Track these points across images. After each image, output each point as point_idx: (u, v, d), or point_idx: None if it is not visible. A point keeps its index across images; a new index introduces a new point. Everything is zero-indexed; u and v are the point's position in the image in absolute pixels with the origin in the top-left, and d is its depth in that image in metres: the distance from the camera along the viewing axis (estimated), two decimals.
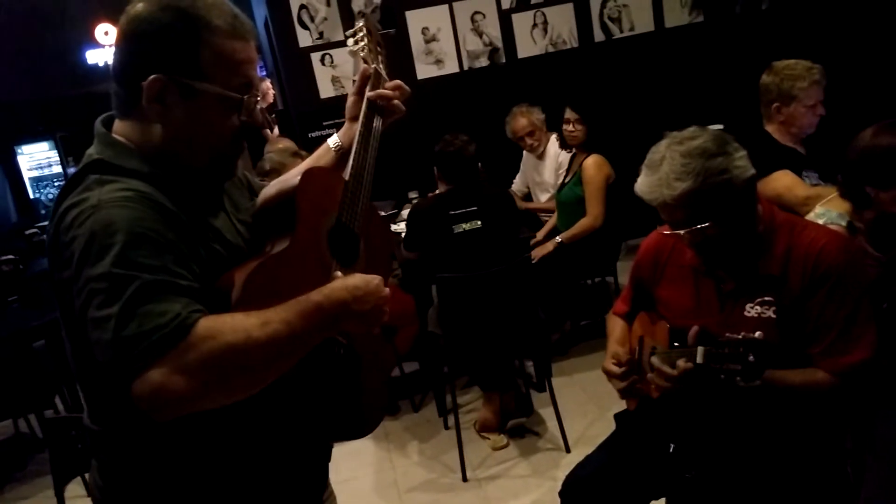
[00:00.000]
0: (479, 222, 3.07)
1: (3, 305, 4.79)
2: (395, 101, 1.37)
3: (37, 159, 7.67)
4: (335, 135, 1.40)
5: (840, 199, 1.95)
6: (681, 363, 1.50)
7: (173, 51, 1.04)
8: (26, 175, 7.72)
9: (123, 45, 1.08)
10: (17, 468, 3.68)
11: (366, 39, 1.43)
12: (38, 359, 3.39)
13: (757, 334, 1.39)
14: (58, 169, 9.93)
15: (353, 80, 1.41)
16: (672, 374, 1.51)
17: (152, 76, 1.04)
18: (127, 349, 0.92)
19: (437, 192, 3.40)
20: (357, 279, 1.09)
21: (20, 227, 7.89)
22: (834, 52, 4.54)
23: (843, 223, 1.93)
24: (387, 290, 1.13)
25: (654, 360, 1.61)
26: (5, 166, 7.67)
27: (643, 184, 1.57)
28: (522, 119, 4.05)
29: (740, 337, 1.39)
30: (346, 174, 1.26)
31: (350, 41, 1.44)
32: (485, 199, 3.11)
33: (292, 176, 1.23)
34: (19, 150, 7.80)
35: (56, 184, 10.00)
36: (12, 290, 4.96)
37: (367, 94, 1.35)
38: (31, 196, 9.56)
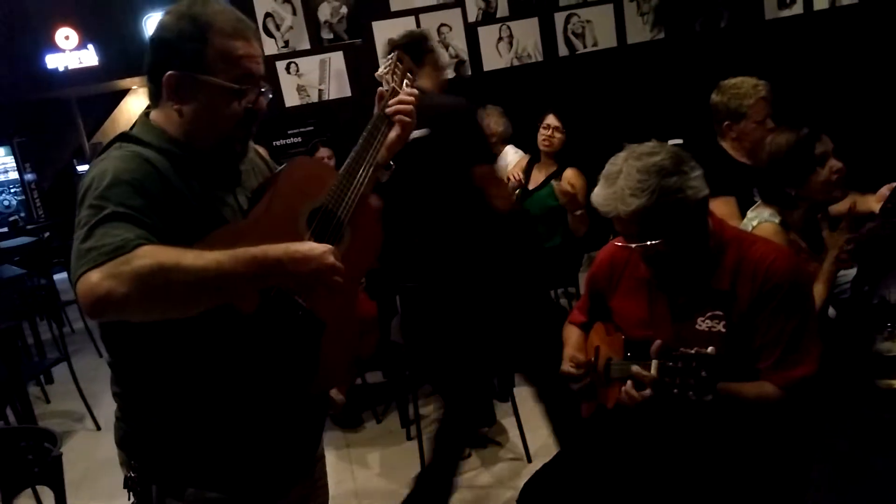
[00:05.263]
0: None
1: None
2: (404, 115, 1.50)
3: None
4: None
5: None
6: (642, 372, 1.50)
7: (184, 51, 1.25)
8: None
9: (150, 49, 1.29)
10: None
11: (395, 68, 1.59)
12: None
13: (710, 349, 1.39)
14: (14, 175, 9.61)
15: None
16: (645, 395, 1.50)
17: (168, 73, 1.25)
18: (79, 257, 1.11)
19: None
20: (303, 246, 1.22)
21: None
22: (790, 69, 4.69)
23: (777, 220, 2.00)
24: (337, 263, 1.23)
25: (614, 370, 1.62)
26: None
27: (599, 195, 1.60)
28: (485, 118, 4.06)
29: (693, 352, 1.40)
30: (342, 170, 1.42)
31: (382, 68, 1.60)
32: None
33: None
34: None
35: (12, 190, 9.70)
36: None
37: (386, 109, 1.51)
38: None
